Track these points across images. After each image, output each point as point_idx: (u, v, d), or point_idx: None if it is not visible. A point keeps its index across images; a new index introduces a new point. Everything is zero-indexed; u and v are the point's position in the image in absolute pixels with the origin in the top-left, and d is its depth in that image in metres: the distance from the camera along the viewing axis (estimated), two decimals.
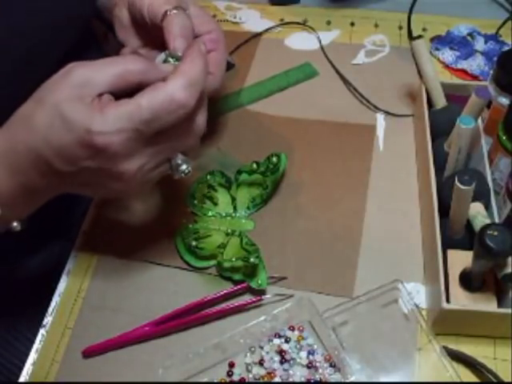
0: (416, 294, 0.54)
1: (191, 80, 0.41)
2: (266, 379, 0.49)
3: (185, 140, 0.44)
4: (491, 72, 0.61)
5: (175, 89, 0.40)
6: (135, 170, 0.42)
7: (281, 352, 0.50)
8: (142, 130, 0.40)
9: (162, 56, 0.48)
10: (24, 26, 0.50)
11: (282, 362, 0.50)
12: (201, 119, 0.44)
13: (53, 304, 0.56)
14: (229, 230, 0.59)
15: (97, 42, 0.69)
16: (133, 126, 0.40)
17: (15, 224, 0.46)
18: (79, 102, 0.39)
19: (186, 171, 0.46)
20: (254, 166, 0.61)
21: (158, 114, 0.40)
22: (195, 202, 0.60)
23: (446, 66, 0.74)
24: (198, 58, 0.43)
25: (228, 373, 0.50)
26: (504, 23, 0.77)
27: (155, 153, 0.43)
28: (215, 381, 0.50)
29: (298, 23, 0.81)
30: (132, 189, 0.45)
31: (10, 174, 0.42)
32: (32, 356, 0.53)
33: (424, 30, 0.79)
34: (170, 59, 0.47)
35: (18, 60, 0.51)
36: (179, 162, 0.46)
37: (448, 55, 0.75)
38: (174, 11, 0.49)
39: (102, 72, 0.40)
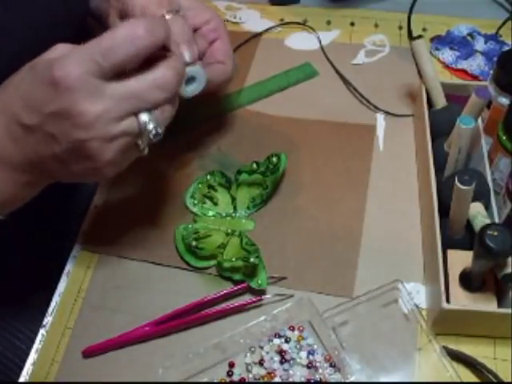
0: (416, 294, 0.54)
1: (154, 20, 0.41)
2: (266, 379, 0.49)
3: (152, 92, 0.41)
4: (491, 72, 0.61)
5: (136, 23, 0.40)
6: (96, 112, 0.40)
7: (281, 352, 0.50)
8: (100, 62, 0.39)
9: None
10: (19, 24, 0.50)
11: (281, 362, 0.50)
12: (168, 73, 0.42)
13: (53, 304, 0.56)
14: (229, 230, 0.59)
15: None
16: (91, 57, 0.39)
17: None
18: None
19: (154, 132, 0.42)
20: (254, 166, 0.61)
21: (116, 43, 0.39)
22: (195, 202, 0.60)
23: (446, 66, 0.74)
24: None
25: (228, 373, 0.50)
26: (504, 23, 0.77)
27: (118, 98, 0.40)
28: (215, 381, 0.50)
29: (298, 23, 0.81)
30: (102, 157, 0.42)
31: None
32: (32, 356, 0.53)
33: (424, 30, 0.79)
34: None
35: (11, 58, 0.50)
36: (146, 119, 0.42)
37: (448, 55, 0.75)
38: (168, 16, 0.49)
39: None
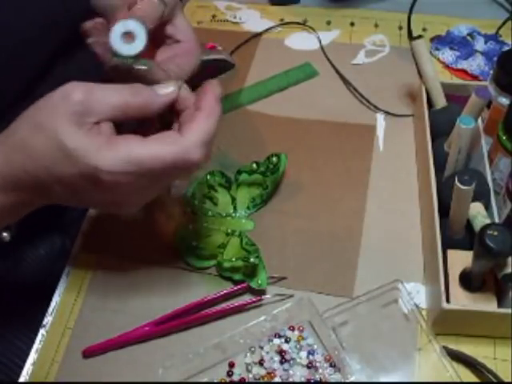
0: (416, 294, 0.54)
1: (207, 137, 0.41)
2: (266, 379, 0.49)
3: (184, 174, 0.44)
4: (491, 72, 0.61)
5: (191, 146, 0.40)
6: (133, 199, 0.43)
7: (281, 352, 0.50)
8: (149, 177, 0.40)
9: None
10: (18, 22, 0.50)
11: (282, 362, 0.50)
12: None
13: (53, 304, 0.56)
14: (229, 230, 0.59)
15: None
16: (141, 172, 0.39)
17: (5, 234, 0.45)
18: (80, 131, 0.38)
19: (179, 192, 0.46)
20: (254, 166, 0.61)
21: (169, 168, 0.40)
22: (195, 201, 0.60)
23: (446, 66, 0.74)
24: (214, 110, 0.42)
25: (228, 373, 0.50)
26: (504, 23, 0.77)
27: (155, 184, 0.43)
28: (215, 381, 0.50)
29: (298, 23, 0.81)
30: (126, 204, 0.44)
31: (4, 193, 0.41)
32: (32, 356, 0.53)
33: (424, 30, 0.79)
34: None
35: (11, 56, 0.50)
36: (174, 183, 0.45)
37: (448, 55, 0.75)
38: None
39: (101, 102, 0.39)
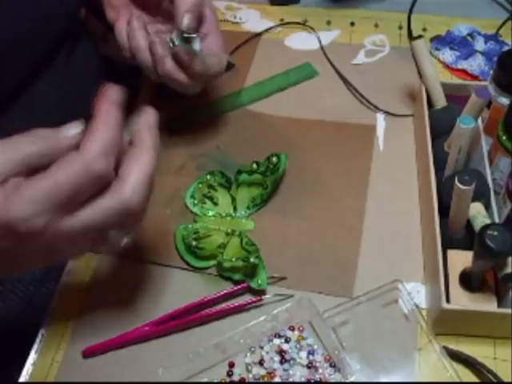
0: (416, 294, 0.54)
1: (106, 146, 0.38)
2: (266, 379, 0.49)
3: (115, 220, 0.40)
4: (491, 72, 0.61)
5: (90, 159, 0.37)
6: (66, 237, 0.39)
7: (281, 352, 0.50)
8: (64, 205, 0.37)
9: (167, 40, 0.52)
10: (11, 16, 0.50)
11: (282, 362, 0.50)
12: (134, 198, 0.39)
13: (53, 304, 0.56)
14: (229, 230, 0.59)
15: (88, 36, 0.68)
16: (54, 205, 0.37)
17: None
18: None
19: (121, 239, 0.43)
20: (254, 166, 0.61)
21: (76, 188, 0.37)
22: (195, 202, 0.60)
23: (446, 66, 0.74)
24: (110, 117, 0.39)
25: (228, 373, 0.50)
26: (504, 23, 0.77)
27: (85, 225, 0.39)
28: (215, 381, 0.50)
29: (298, 23, 0.81)
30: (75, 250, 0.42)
31: None
32: (32, 356, 0.53)
33: (424, 30, 0.79)
34: (175, 40, 0.51)
35: (4, 50, 0.50)
36: (113, 234, 0.42)
37: (448, 55, 0.75)
38: None
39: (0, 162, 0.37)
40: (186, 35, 0.52)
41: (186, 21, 0.52)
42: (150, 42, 0.54)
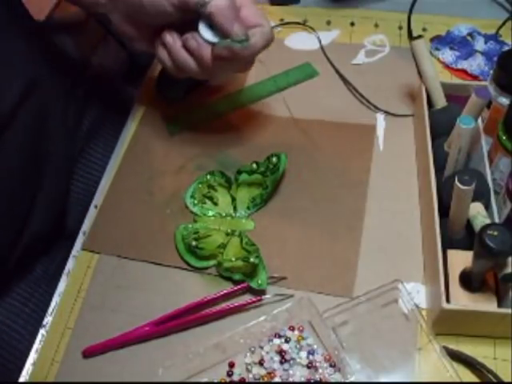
0: (416, 294, 0.54)
1: None
2: (266, 379, 0.49)
3: None
4: (491, 72, 0.61)
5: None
6: None
7: (281, 352, 0.50)
8: None
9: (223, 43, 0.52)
10: None
11: (282, 362, 0.50)
12: None
13: (53, 304, 0.56)
14: (229, 230, 0.59)
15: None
16: None
17: None
18: None
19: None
20: (254, 166, 0.61)
21: None
22: (195, 201, 0.60)
23: (446, 66, 0.74)
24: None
25: (228, 373, 0.50)
26: (504, 23, 0.77)
27: None
28: (215, 381, 0.50)
29: (298, 23, 0.81)
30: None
31: None
32: (32, 356, 0.53)
33: (424, 30, 0.79)
34: (237, 44, 0.52)
35: None
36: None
37: (448, 55, 0.75)
38: None
39: None
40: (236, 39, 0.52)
41: (238, 31, 0.52)
42: (197, 55, 0.54)
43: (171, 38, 0.55)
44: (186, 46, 0.54)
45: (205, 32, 0.53)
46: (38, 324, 0.55)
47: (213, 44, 0.53)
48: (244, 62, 0.55)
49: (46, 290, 0.62)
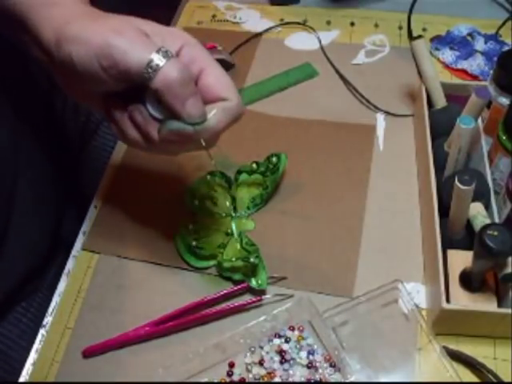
0: (416, 294, 0.54)
1: None
2: (266, 379, 0.49)
3: None
4: (491, 72, 0.61)
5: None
6: None
7: (281, 352, 0.50)
8: None
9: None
10: None
11: (282, 362, 0.50)
12: None
13: (53, 304, 0.56)
14: (229, 230, 0.59)
15: None
16: None
17: None
18: None
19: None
20: (254, 166, 0.61)
21: None
22: (195, 201, 0.60)
23: (446, 66, 0.74)
24: None
25: (228, 373, 0.50)
26: (504, 23, 0.77)
27: None
28: (215, 381, 0.50)
29: (297, 23, 0.81)
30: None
31: None
32: (32, 356, 0.53)
33: (424, 30, 0.79)
34: (189, 127, 0.42)
35: None
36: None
37: (448, 55, 0.75)
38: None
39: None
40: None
41: (192, 111, 0.42)
42: (143, 131, 0.44)
43: (116, 109, 0.44)
44: (131, 120, 0.44)
45: (151, 107, 0.43)
46: (39, 324, 0.55)
47: (161, 121, 0.43)
48: (201, 142, 0.45)
49: (46, 289, 0.62)
